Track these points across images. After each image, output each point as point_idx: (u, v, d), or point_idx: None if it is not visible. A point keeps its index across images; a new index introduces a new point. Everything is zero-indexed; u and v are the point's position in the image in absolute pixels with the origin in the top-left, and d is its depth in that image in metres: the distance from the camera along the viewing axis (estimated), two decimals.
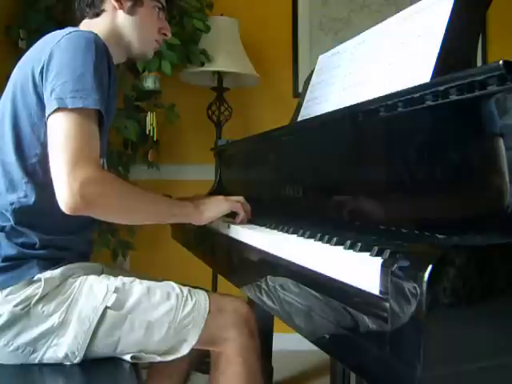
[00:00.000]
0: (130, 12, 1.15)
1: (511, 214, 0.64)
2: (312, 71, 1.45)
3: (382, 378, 0.58)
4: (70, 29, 1.05)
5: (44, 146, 0.99)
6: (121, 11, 1.15)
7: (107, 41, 1.10)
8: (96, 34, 1.03)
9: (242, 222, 1.22)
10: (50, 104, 0.96)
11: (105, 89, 1.00)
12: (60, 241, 1.05)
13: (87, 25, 1.16)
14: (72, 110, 0.94)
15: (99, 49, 1.00)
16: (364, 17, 2.62)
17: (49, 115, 0.96)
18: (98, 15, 1.15)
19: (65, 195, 0.92)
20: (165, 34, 1.23)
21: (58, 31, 1.06)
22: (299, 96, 1.55)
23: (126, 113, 2.12)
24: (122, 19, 1.16)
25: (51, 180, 0.95)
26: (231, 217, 1.25)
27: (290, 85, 2.63)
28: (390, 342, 0.54)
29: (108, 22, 1.15)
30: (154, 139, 2.21)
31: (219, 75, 2.33)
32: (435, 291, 0.50)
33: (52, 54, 0.98)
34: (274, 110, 2.45)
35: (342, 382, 1.49)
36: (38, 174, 1.02)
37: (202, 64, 2.21)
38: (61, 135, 0.94)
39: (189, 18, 2.14)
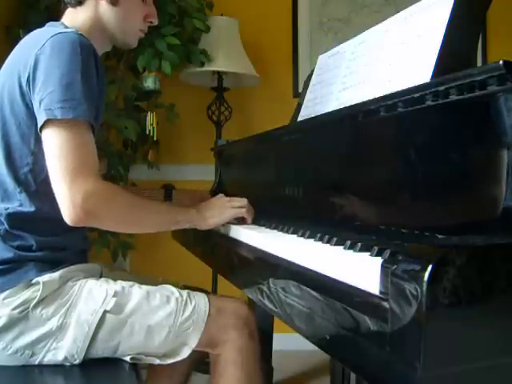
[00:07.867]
0: (113, 2, 1.11)
1: (511, 214, 0.64)
2: (312, 71, 1.45)
3: (382, 378, 0.58)
4: (53, 29, 1.02)
5: (35, 154, 1.00)
6: (103, 1, 1.11)
7: (90, 31, 1.09)
8: (80, 35, 1.01)
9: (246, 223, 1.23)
10: (40, 115, 0.95)
11: (94, 95, 0.99)
12: (56, 241, 1.04)
13: (70, 15, 1.13)
14: (64, 122, 0.94)
15: (85, 51, 0.98)
16: (364, 17, 2.62)
17: (41, 127, 0.95)
18: (80, 3, 1.12)
19: (67, 209, 0.93)
20: (151, 22, 1.20)
21: (42, 31, 1.04)
22: (299, 96, 1.55)
23: (125, 113, 2.12)
24: (105, 9, 1.12)
25: (45, 187, 0.96)
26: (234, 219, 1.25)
27: (290, 85, 2.63)
28: (390, 342, 0.54)
29: (90, 11, 1.12)
30: (154, 139, 2.22)
31: (219, 75, 2.33)
32: (435, 291, 0.50)
33: (37, 60, 0.97)
34: (273, 110, 2.45)
35: (341, 382, 1.49)
36: (30, 183, 1.01)
37: (202, 64, 2.21)
38: (57, 150, 0.94)
39: (189, 18, 2.14)
